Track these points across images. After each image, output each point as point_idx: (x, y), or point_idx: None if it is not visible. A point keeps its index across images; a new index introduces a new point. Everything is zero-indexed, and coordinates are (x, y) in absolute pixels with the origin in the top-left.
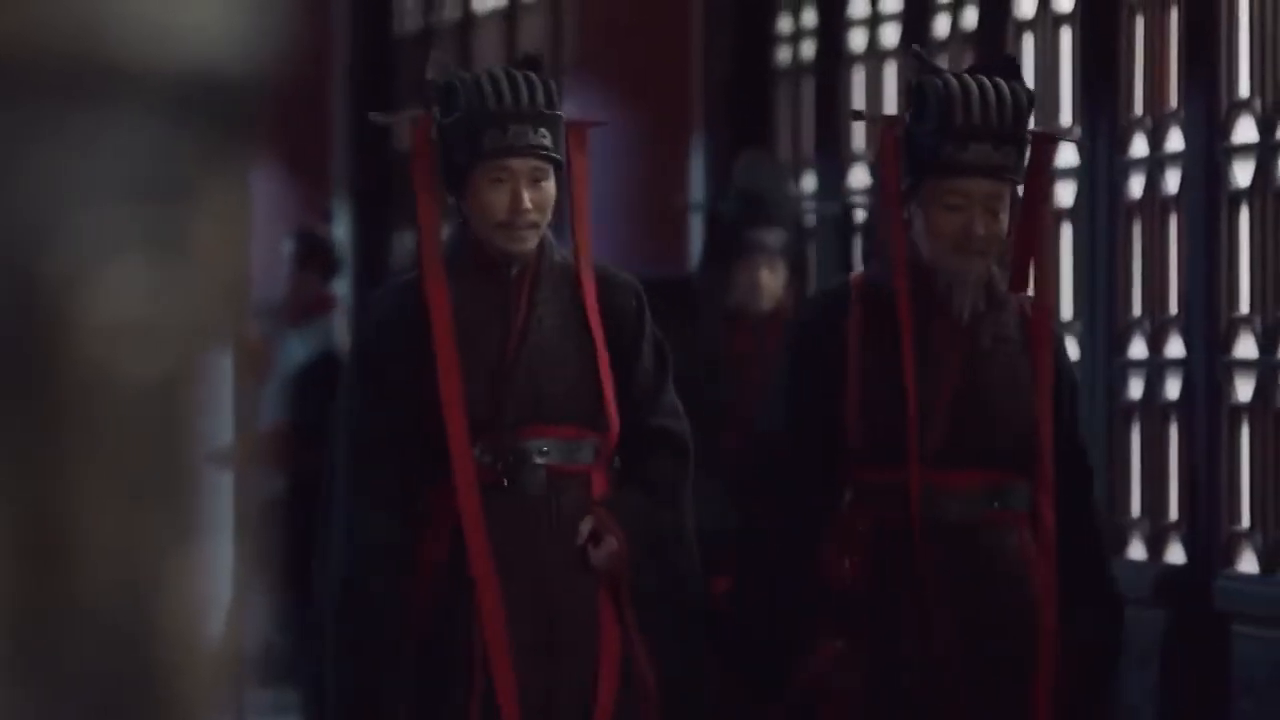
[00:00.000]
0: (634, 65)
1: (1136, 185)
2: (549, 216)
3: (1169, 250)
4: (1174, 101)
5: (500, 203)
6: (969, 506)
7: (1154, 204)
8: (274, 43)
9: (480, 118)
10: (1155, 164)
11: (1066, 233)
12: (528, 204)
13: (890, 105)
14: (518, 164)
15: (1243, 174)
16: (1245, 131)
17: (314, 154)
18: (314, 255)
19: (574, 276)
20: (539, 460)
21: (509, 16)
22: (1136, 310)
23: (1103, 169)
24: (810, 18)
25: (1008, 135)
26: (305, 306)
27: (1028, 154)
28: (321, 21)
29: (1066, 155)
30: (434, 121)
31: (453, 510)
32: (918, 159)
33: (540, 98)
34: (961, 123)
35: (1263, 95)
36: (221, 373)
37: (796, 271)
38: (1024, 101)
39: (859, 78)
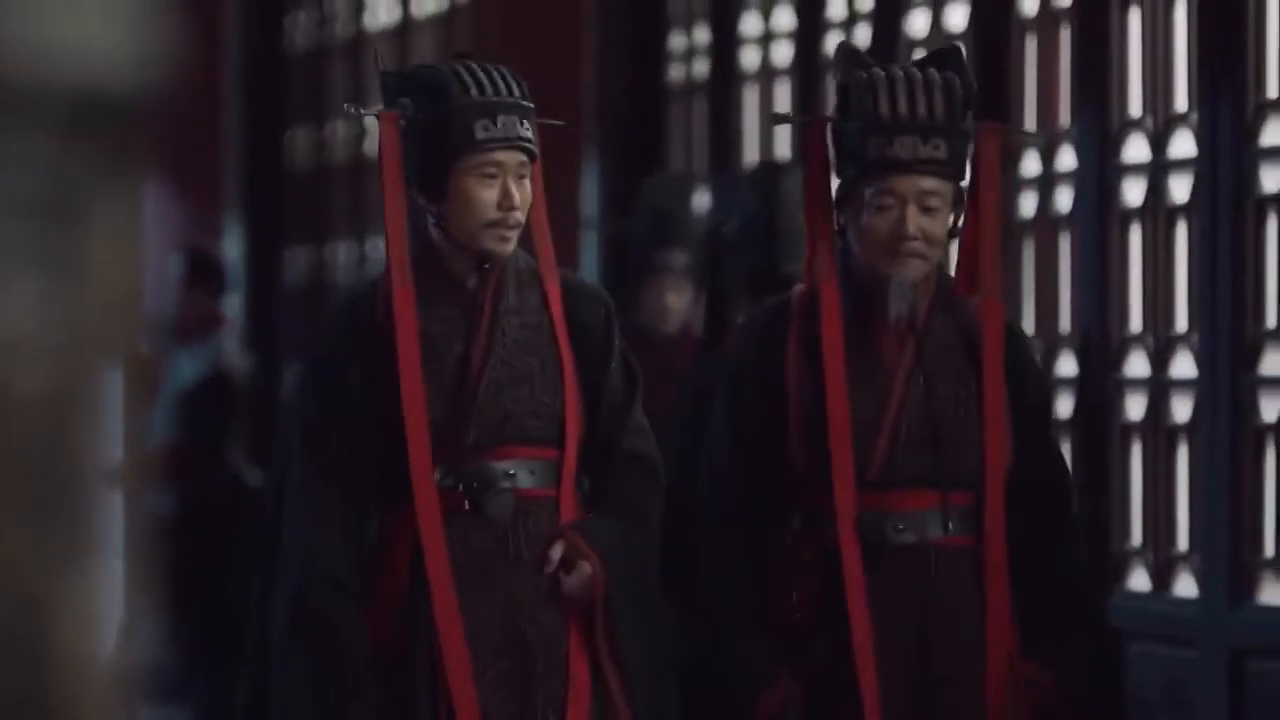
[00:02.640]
0: (527, 78)
1: (1030, 203)
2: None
3: (1060, 267)
4: (1065, 120)
5: (490, 199)
6: (917, 530)
7: (1047, 221)
8: (164, 61)
9: (470, 108)
10: (1046, 182)
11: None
12: (518, 201)
13: (783, 124)
14: (506, 157)
15: (1133, 193)
16: (1137, 150)
17: (206, 171)
18: (203, 273)
19: (539, 286)
20: (505, 484)
21: (401, 34)
22: (1030, 327)
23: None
24: (703, 36)
25: (937, 127)
26: (194, 324)
27: (969, 148)
28: (213, 39)
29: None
30: (403, 117)
31: (411, 540)
32: (846, 160)
33: (517, 90)
34: (887, 116)
35: (1154, 114)
36: (112, 390)
37: (706, 292)
38: (957, 90)
39: (751, 96)
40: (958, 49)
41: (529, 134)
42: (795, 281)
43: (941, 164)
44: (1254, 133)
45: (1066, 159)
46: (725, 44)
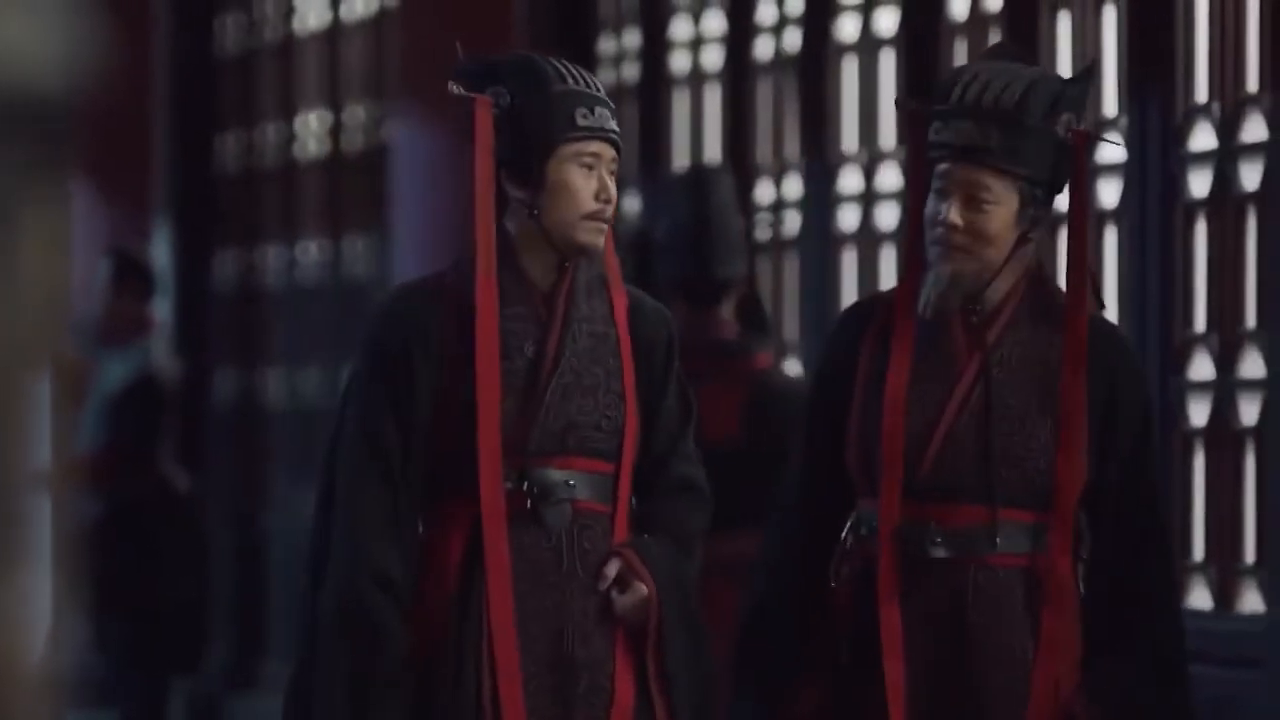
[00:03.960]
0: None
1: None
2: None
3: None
4: None
5: (590, 189)
6: (955, 546)
7: None
8: (93, 64)
9: (570, 96)
10: None
11: (890, 255)
12: (613, 194)
13: (712, 128)
14: (601, 149)
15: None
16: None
17: (135, 174)
18: (131, 276)
19: (607, 295)
20: (563, 495)
21: (330, 39)
22: None
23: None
24: (633, 40)
25: (996, 115)
26: (123, 328)
27: (1049, 150)
28: (142, 43)
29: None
30: (497, 103)
31: (464, 541)
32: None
33: (598, 86)
34: (953, 102)
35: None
36: (40, 395)
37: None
38: (1043, 88)
39: (681, 100)
40: (1095, 66)
41: (618, 129)
42: (726, 285)
43: (991, 154)
44: (1182, 137)
45: None
46: (655, 48)
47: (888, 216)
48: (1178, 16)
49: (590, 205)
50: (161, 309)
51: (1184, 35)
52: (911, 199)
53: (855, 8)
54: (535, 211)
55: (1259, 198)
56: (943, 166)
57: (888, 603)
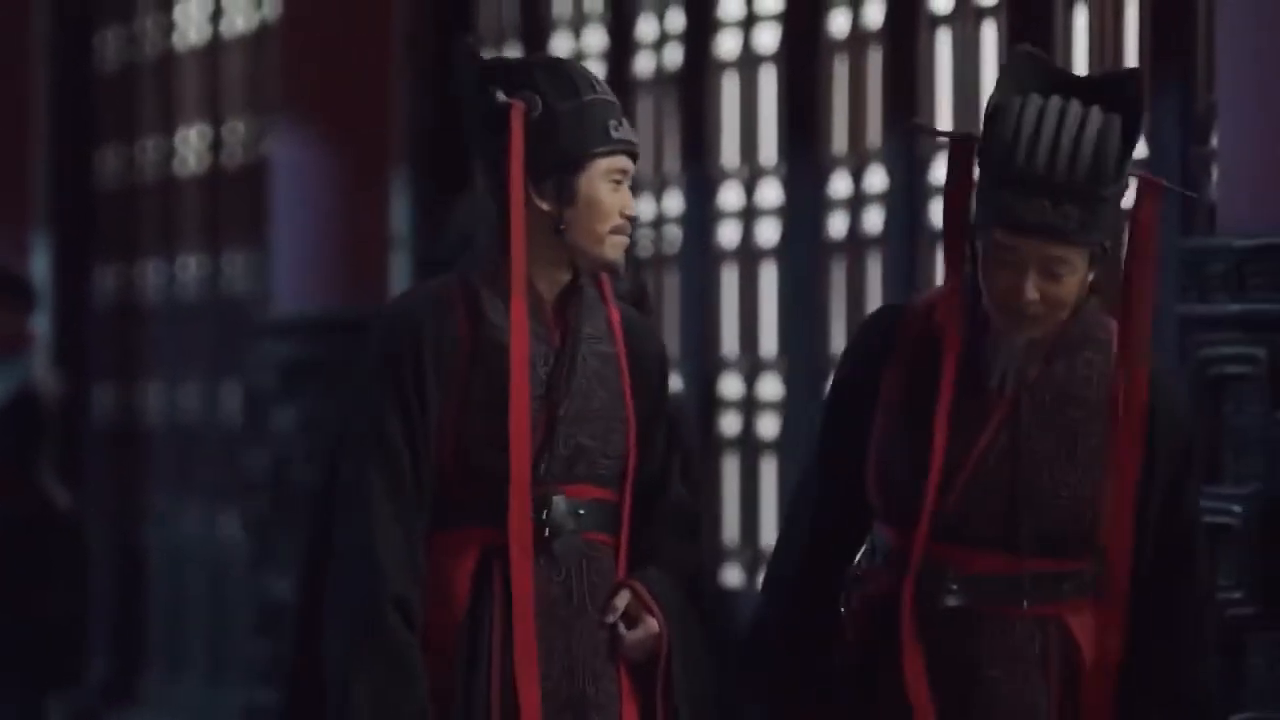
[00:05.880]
0: (336, 102)
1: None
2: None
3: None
4: (876, 140)
5: (616, 204)
6: (969, 595)
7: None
8: None
9: (601, 105)
10: (858, 201)
11: (770, 271)
12: (635, 209)
13: None
14: (627, 163)
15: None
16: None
17: (13, 189)
18: (10, 291)
19: (606, 313)
20: (573, 525)
21: (210, 54)
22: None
23: (806, 207)
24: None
25: (1073, 191)
26: (1, 343)
27: (1119, 205)
28: (21, 57)
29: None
30: (531, 109)
31: (471, 570)
32: (983, 190)
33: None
34: (1021, 170)
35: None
36: None
37: None
38: (1110, 145)
39: None
40: (1135, 74)
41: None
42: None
43: (1070, 232)
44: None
45: (876, 179)
46: None
47: (768, 232)
48: (1056, 37)
49: (616, 221)
50: (40, 324)
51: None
52: (953, 230)
53: (736, 24)
54: (562, 226)
55: None
56: (1014, 241)
57: (911, 649)
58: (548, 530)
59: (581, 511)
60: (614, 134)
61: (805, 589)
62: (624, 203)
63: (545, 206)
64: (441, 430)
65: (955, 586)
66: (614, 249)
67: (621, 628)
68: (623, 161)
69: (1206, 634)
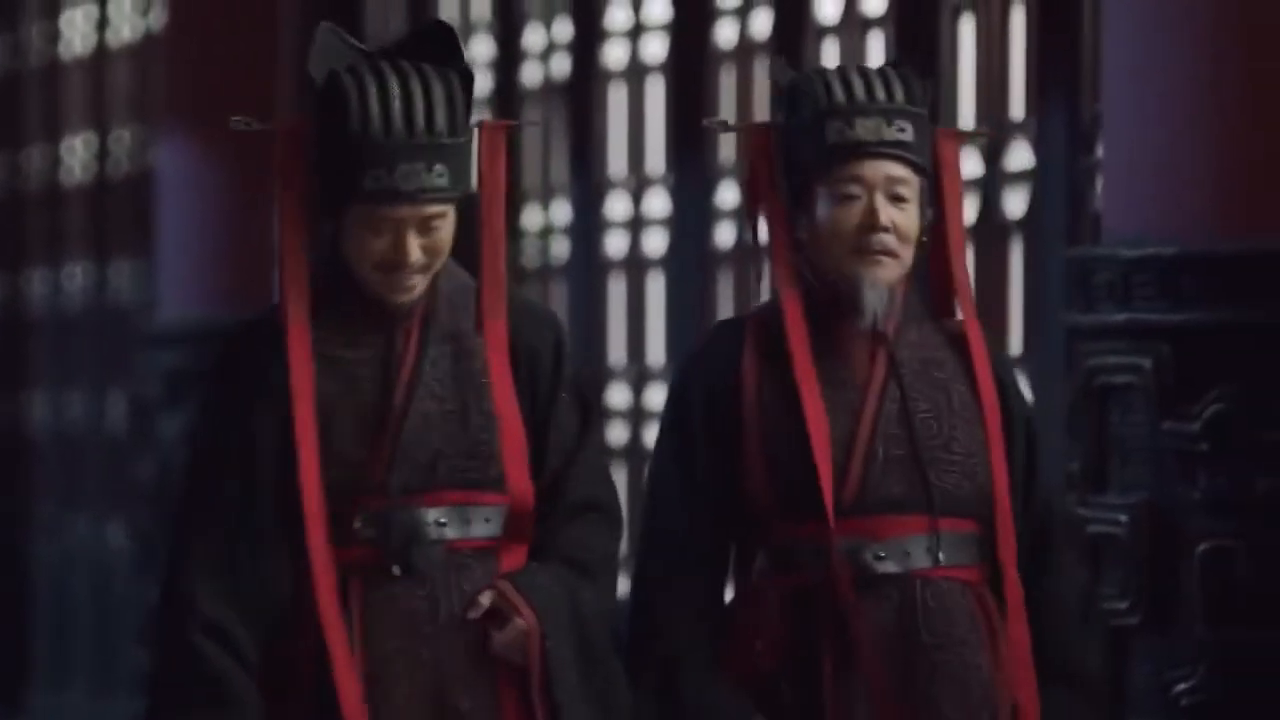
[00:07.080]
0: (222, 111)
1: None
2: (437, 263)
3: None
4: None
5: (377, 251)
6: (899, 559)
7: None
8: None
9: (370, 149)
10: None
11: (658, 281)
12: (414, 253)
13: None
14: (407, 211)
15: None
16: None
17: None
18: None
19: (476, 305)
20: (434, 535)
21: (96, 63)
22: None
23: (694, 216)
24: None
25: (901, 109)
26: None
27: (927, 144)
28: None
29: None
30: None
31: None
32: (799, 160)
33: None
34: (844, 100)
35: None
36: None
37: None
38: (915, 80)
39: None
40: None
41: (439, 182)
42: None
43: (908, 147)
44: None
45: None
46: None
47: (655, 242)
48: (942, 49)
49: (376, 262)
50: None
51: (949, 63)
52: (773, 218)
53: (623, 34)
54: (341, 252)
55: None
56: (853, 166)
57: (855, 617)
58: (394, 545)
59: (443, 520)
60: (368, 185)
61: (708, 618)
62: (394, 247)
63: (328, 235)
64: (283, 459)
65: (882, 554)
66: (387, 288)
67: (493, 631)
68: (392, 211)
69: (1090, 618)
